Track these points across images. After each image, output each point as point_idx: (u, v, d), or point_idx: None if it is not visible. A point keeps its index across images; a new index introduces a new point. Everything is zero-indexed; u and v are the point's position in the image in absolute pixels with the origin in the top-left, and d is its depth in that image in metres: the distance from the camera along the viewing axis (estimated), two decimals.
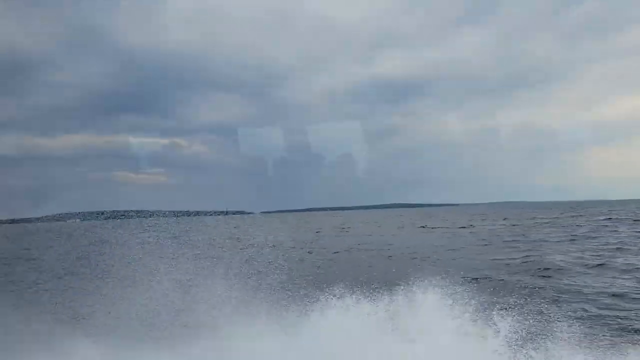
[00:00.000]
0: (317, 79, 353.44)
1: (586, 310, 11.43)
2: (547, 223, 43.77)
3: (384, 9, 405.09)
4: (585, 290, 13.58)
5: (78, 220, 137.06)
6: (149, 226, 20.54)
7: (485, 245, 27.21)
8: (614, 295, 12.86)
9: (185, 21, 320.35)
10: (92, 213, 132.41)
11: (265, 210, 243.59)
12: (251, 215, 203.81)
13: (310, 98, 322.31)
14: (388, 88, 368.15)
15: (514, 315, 8.85)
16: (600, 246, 23.29)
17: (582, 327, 9.44)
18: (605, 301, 12.28)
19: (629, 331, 10.02)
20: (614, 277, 15.19)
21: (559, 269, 16.99)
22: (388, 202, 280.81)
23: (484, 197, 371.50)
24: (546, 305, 10.64)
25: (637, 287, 13.74)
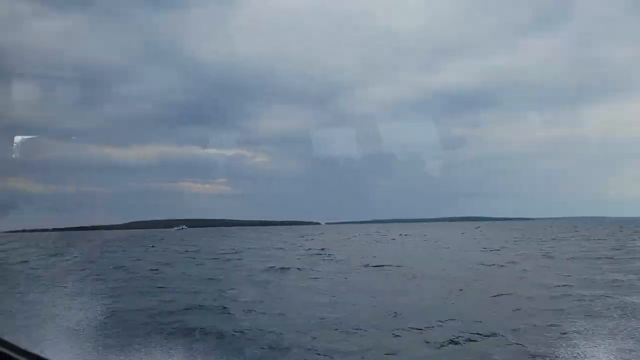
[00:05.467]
0: (380, 89, 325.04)
1: None
2: None
3: (448, 17, 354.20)
4: None
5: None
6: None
7: None
8: None
9: (253, 34, 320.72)
10: (170, 220, 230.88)
11: (331, 221, 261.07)
12: (318, 225, 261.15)
13: (374, 108, 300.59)
14: (453, 97, 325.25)
15: None
16: None
17: None
18: None
19: None
20: None
21: None
22: (459, 215, 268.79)
23: (561, 211, 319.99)
24: None
25: None
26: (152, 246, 52.99)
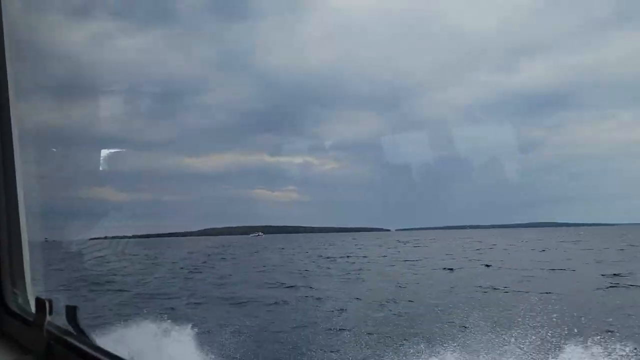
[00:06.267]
0: (452, 91, 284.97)
1: None
2: None
3: (524, 14, 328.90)
4: None
5: (261, 233, 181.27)
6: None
7: None
8: None
9: (321, 41, 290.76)
10: (245, 227, 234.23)
11: (401, 228, 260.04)
12: (388, 232, 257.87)
13: (445, 111, 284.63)
14: (530, 98, 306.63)
15: None
16: None
17: None
18: None
19: None
20: None
21: None
22: (537, 221, 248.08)
23: None
24: None
25: None
26: (282, 248, 51.95)
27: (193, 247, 68.27)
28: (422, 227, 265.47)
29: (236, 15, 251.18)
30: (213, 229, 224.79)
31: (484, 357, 10.15)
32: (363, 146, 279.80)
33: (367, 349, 11.98)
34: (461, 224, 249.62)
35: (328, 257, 41.69)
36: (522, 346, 10.83)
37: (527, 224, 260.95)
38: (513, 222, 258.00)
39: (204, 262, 37.55)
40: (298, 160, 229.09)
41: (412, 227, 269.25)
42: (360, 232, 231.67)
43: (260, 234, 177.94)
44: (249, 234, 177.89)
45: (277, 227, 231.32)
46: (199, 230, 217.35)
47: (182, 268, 33.94)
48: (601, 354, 9.91)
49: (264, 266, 32.29)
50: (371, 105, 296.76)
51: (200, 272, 31.03)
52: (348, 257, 42.33)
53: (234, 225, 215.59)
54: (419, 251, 51.26)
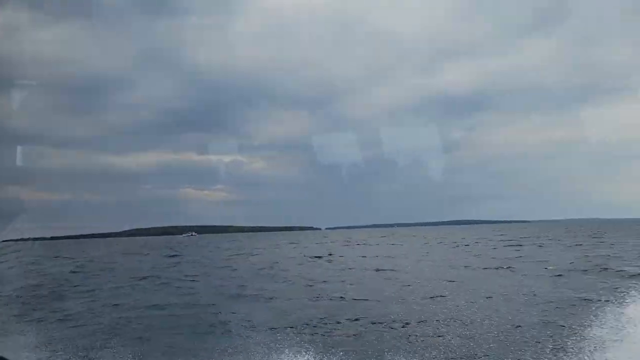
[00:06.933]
0: (378, 92, 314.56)
1: None
2: None
3: (445, 18, 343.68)
4: None
5: (194, 233, 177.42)
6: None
7: None
8: None
9: (251, 41, 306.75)
10: (173, 227, 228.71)
11: (332, 226, 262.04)
12: (319, 231, 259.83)
13: (372, 112, 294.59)
14: (451, 100, 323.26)
15: None
16: None
17: None
18: None
19: None
20: None
21: None
22: (461, 219, 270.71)
23: (558, 213, 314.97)
24: None
25: None
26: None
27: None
28: (352, 225, 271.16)
29: (163, 11, 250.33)
30: (139, 229, 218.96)
31: None
32: (293, 146, 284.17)
33: None
34: (390, 222, 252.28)
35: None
36: None
37: (450, 221, 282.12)
38: (439, 220, 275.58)
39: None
40: (227, 159, 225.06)
41: (342, 225, 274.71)
42: (293, 231, 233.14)
43: (193, 233, 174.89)
44: (181, 234, 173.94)
45: (210, 227, 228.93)
46: (124, 231, 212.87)
47: None
48: None
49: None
50: (301, 105, 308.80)
51: None
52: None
53: (159, 225, 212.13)
54: None
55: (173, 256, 48.04)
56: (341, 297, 18.52)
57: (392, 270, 27.05)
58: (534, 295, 17.05)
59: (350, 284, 22.40)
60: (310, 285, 22.20)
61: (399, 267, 29.20)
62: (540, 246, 44.17)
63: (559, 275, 22.09)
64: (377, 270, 27.69)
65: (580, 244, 44.40)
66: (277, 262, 35.70)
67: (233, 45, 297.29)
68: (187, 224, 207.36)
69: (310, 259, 38.54)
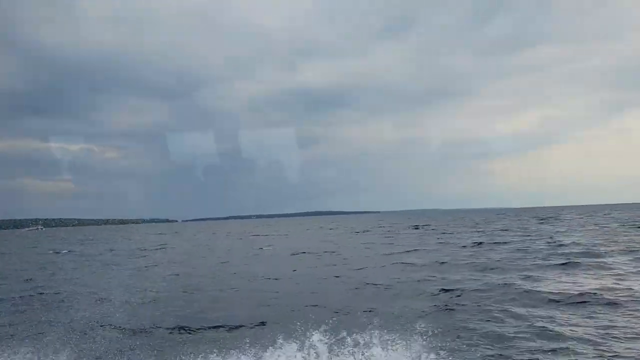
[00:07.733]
0: (239, 86, 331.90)
1: None
2: None
3: (307, 17, 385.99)
4: None
5: (41, 227, 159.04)
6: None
7: None
8: None
9: (103, 21, 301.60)
10: (13, 221, 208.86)
11: (188, 219, 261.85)
12: (175, 223, 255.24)
13: (232, 105, 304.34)
14: (310, 97, 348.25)
15: None
16: None
17: None
18: None
19: None
20: None
21: None
22: (311, 210, 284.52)
23: (404, 204, 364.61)
24: None
25: None
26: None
27: None
28: (209, 217, 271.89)
29: None
30: None
31: None
32: (149, 136, 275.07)
33: None
34: (247, 214, 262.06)
35: None
36: None
37: (305, 212, 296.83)
38: (297, 212, 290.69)
39: None
40: (75, 147, 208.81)
41: (199, 217, 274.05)
42: (148, 224, 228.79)
43: (40, 227, 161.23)
44: (23, 228, 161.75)
45: (57, 219, 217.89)
46: None
47: None
48: None
49: None
50: (158, 94, 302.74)
51: None
52: None
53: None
54: None
55: None
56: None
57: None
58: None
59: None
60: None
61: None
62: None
63: None
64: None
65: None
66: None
67: (80, 26, 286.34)
68: (30, 217, 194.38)
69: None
